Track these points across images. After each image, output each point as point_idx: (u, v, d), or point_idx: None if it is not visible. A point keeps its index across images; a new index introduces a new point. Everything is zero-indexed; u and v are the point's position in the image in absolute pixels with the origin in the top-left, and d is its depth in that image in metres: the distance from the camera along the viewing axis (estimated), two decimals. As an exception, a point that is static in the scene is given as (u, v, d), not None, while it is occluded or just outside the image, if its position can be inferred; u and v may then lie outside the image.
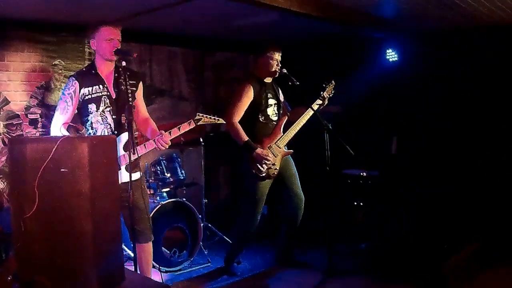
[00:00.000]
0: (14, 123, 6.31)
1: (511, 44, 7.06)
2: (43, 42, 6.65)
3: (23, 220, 3.40)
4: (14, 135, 6.26)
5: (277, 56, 6.00)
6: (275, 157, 5.94)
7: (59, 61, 6.78)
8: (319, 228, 7.38)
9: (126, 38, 5.00)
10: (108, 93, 4.80)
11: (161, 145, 4.74)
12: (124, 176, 4.70)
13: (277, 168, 5.97)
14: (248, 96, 5.88)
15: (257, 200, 6.00)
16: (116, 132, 4.79)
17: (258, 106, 5.96)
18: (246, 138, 5.80)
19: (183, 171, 6.73)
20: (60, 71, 6.79)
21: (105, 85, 4.81)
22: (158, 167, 6.52)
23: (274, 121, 6.12)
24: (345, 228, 7.46)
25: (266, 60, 5.99)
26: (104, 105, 4.77)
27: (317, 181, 6.28)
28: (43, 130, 6.56)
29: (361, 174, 7.62)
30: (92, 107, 4.74)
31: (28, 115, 6.49)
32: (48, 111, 6.65)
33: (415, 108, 7.83)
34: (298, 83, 5.87)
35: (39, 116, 6.55)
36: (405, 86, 7.81)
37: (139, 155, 4.80)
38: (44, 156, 3.35)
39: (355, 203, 7.59)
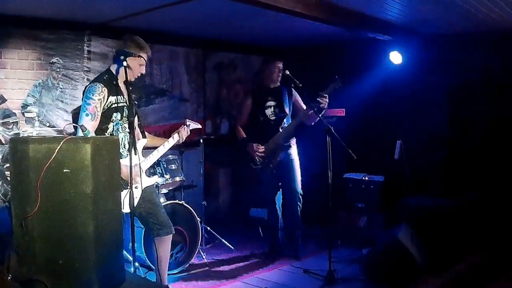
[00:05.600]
0: (10, 121, 6.20)
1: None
2: (42, 39, 6.58)
3: (24, 219, 3.36)
4: (10, 133, 6.16)
5: (278, 65, 6.91)
6: (274, 150, 6.80)
7: (57, 59, 6.71)
8: (320, 233, 7.36)
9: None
10: (127, 104, 4.87)
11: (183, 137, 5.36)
12: (146, 181, 5.06)
13: (274, 159, 6.81)
14: (246, 107, 7.09)
15: (265, 187, 7.04)
16: (138, 139, 5.03)
17: (257, 109, 6.98)
18: (243, 136, 7.03)
19: (182, 173, 6.67)
20: (58, 70, 6.73)
21: (124, 96, 4.88)
22: (157, 169, 6.45)
23: (272, 120, 6.95)
24: (347, 233, 7.43)
25: (268, 71, 6.99)
26: (125, 115, 4.86)
27: (319, 184, 6.26)
28: (40, 129, 6.47)
29: (363, 178, 7.57)
30: (117, 115, 4.82)
31: (25, 113, 6.39)
32: (46, 109, 6.57)
33: (420, 112, 7.78)
34: (301, 85, 6.19)
35: (36, 115, 6.44)
36: (410, 90, 7.77)
37: (159, 157, 5.30)
38: (47, 156, 3.31)
39: (357, 208, 7.54)
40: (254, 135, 6.95)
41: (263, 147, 6.80)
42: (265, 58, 7.41)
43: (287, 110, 6.99)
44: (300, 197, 6.95)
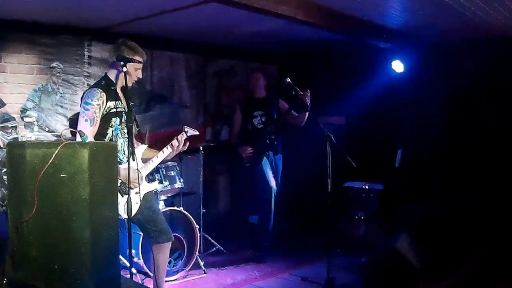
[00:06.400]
0: (9, 125, 6.20)
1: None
2: (41, 44, 6.59)
3: (21, 224, 3.38)
4: (9, 138, 6.15)
5: (257, 77, 7.70)
6: (261, 150, 7.48)
7: (57, 64, 6.71)
8: (319, 241, 7.35)
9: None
10: (125, 109, 4.88)
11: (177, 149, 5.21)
12: (145, 187, 5.09)
13: (262, 158, 7.46)
14: (237, 119, 7.82)
15: (257, 181, 7.49)
16: (137, 145, 5.11)
17: (246, 120, 7.69)
18: (236, 140, 7.81)
19: (181, 180, 6.66)
20: (58, 74, 6.72)
21: (123, 102, 4.89)
22: (156, 175, 6.42)
23: (259, 128, 7.60)
24: (346, 241, 7.41)
25: (250, 83, 7.77)
26: (123, 120, 4.86)
27: (318, 193, 6.25)
28: (39, 133, 6.46)
29: (363, 187, 7.57)
30: (116, 120, 4.82)
31: (24, 118, 6.40)
32: (45, 114, 6.56)
33: (421, 120, 7.78)
34: (301, 92, 6.34)
35: (35, 120, 6.44)
36: (411, 98, 7.78)
37: (157, 165, 5.29)
38: (44, 160, 3.32)
39: (356, 216, 7.54)
40: (245, 141, 7.62)
41: (250, 148, 7.49)
42: (248, 73, 8.16)
43: (274, 117, 7.61)
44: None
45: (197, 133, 5.52)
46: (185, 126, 5.42)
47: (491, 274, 6.14)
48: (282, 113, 7.60)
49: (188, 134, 5.36)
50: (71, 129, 4.62)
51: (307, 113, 7.05)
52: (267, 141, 7.52)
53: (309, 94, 6.77)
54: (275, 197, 7.41)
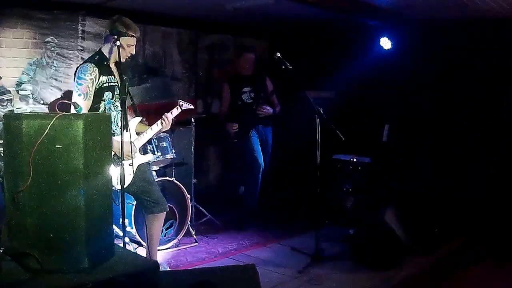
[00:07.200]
0: (5, 98, 6.28)
1: (508, 37, 7.09)
2: (36, 19, 6.60)
3: (16, 194, 3.42)
4: (4, 110, 6.24)
5: (251, 57, 7.80)
6: (247, 126, 7.66)
7: (51, 38, 6.75)
8: (307, 212, 7.45)
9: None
10: (118, 84, 4.99)
11: (166, 126, 5.28)
12: (139, 159, 5.21)
13: (247, 133, 7.66)
14: (225, 94, 7.95)
15: (245, 157, 7.70)
16: (131, 118, 5.21)
17: (234, 95, 7.82)
18: (223, 118, 7.93)
19: (173, 151, 6.76)
20: (52, 48, 6.76)
21: (116, 76, 5.00)
22: (148, 146, 6.51)
23: (249, 103, 7.75)
24: (334, 213, 7.54)
25: (242, 62, 7.83)
26: (116, 94, 4.98)
27: (307, 165, 6.35)
28: (34, 106, 6.55)
29: (351, 159, 7.66)
30: (108, 95, 4.93)
31: (19, 91, 6.46)
32: (40, 87, 6.64)
33: (408, 96, 7.89)
34: (291, 67, 6.24)
35: (30, 93, 6.53)
36: (398, 74, 7.85)
37: (150, 138, 5.40)
38: (40, 132, 3.37)
39: (344, 188, 7.64)
40: (235, 116, 7.75)
41: (237, 124, 7.63)
42: (238, 51, 8.23)
43: (262, 94, 7.81)
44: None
45: (192, 107, 5.60)
46: (180, 100, 5.51)
47: (475, 254, 6.24)
48: (267, 91, 7.84)
49: (183, 108, 5.46)
50: (66, 101, 4.70)
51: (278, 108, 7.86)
52: (256, 115, 7.66)
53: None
54: (262, 173, 7.56)
